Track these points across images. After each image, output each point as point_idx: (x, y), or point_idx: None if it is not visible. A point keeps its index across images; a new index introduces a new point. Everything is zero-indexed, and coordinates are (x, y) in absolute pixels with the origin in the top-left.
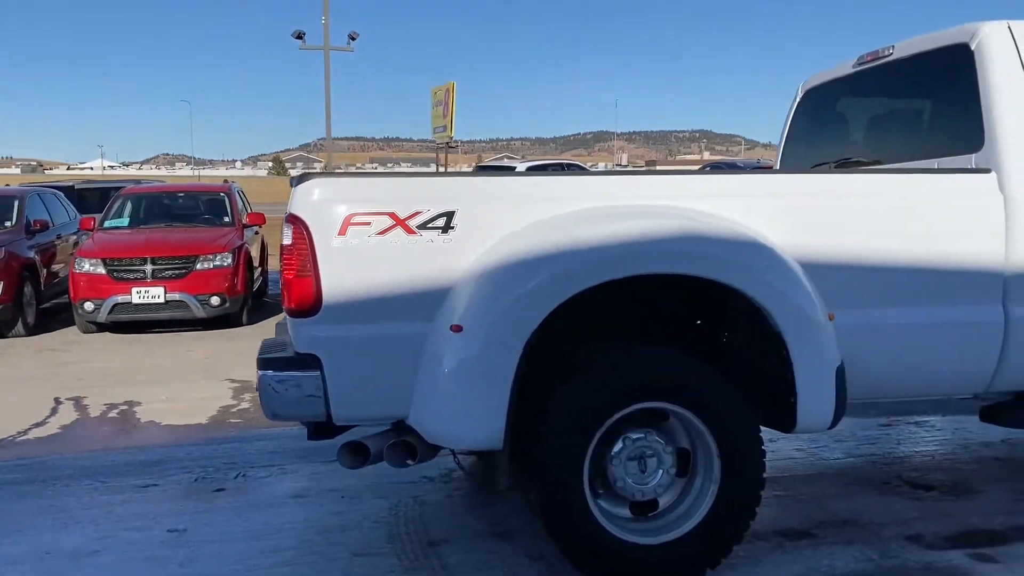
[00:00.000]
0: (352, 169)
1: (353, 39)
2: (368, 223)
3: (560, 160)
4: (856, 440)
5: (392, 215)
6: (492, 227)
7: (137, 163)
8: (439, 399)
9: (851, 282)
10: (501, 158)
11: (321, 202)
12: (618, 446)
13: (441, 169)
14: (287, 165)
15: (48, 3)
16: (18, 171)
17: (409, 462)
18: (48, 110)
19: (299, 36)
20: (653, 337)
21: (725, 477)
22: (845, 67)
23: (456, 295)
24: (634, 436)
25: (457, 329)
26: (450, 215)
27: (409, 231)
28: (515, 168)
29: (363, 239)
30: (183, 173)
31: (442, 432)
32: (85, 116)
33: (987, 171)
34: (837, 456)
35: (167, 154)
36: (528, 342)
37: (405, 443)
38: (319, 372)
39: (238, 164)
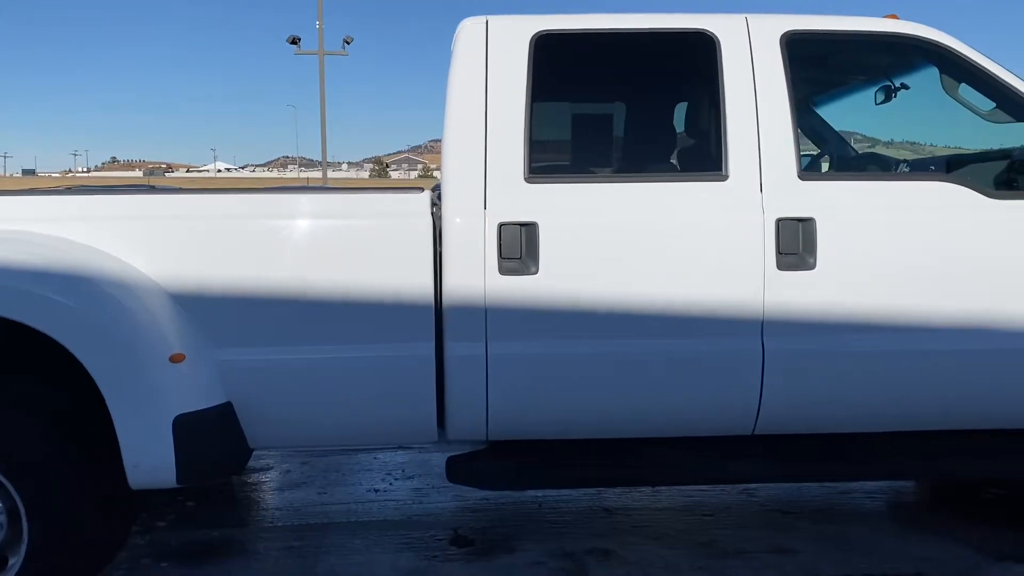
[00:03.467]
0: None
1: (348, 43)
2: None
3: None
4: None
5: None
6: None
7: (252, 166)
8: None
9: (245, 318)
10: None
11: None
12: None
13: None
14: (392, 167)
15: (174, 16)
16: (139, 173)
17: None
18: (179, 115)
19: (293, 41)
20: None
21: (32, 533)
22: None
23: None
24: None
25: None
26: None
27: None
28: None
29: None
30: (290, 175)
31: None
32: (211, 120)
33: (419, 191)
34: (444, 503)
35: (286, 156)
36: None
37: None
38: None
39: (344, 166)
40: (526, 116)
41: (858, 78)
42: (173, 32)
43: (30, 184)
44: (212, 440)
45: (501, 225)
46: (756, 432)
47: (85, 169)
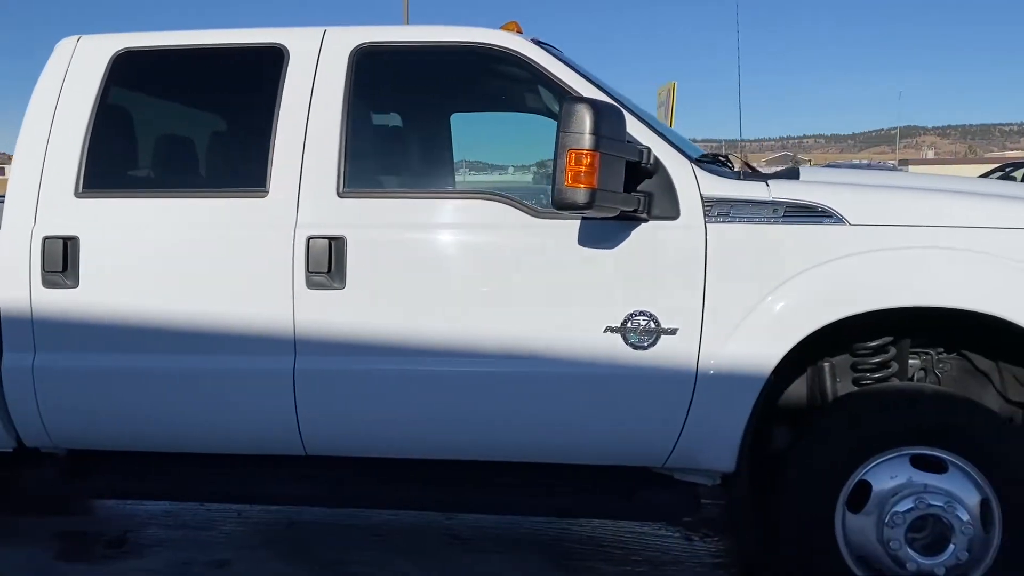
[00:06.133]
0: None
1: None
2: None
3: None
4: None
5: None
6: None
7: None
8: None
9: None
10: (782, 157)
11: None
12: None
13: None
14: None
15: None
16: None
17: None
18: None
19: None
20: None
21: None
22: None
23: None
24: None
25: None
26: None
27: None
28: None
29: None
30: None
31: None
32: None
33: None
34: (156, 506)
35: None
36: None
37: None
38: None
39: None
40: (87, 131)
41: (457, 90)
42: None
43: None
44: None
45: (45, 239)
46: (309, 453)
47: None
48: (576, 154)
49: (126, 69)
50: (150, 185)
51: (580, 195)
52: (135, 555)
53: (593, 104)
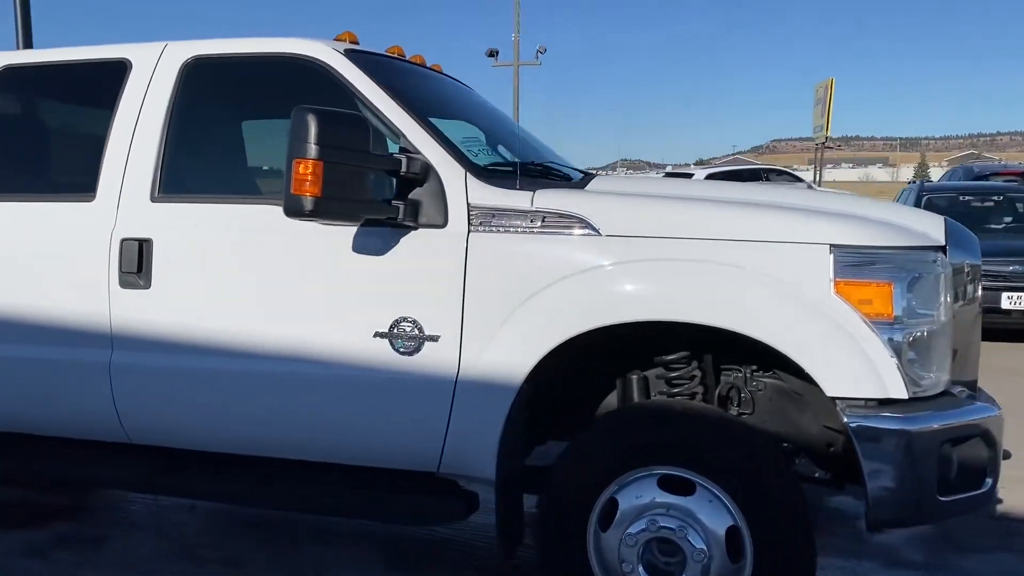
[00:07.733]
0: None
1: (541, 53)
2: None
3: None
4: None
5: None
6: None
7: None
8: None
9: None
10: (968, 156)
11: None
12: None
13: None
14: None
15: None
16: None
17: None
18: None
19: (491, 54)
20: None
21: None
22: None
23: None
24: None
25: None
26: None
27: None
28: (692, 176)
29: None
30: None
31: None
32: None
33: None
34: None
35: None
36: None
37: None
38: None
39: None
40: None
41: (274, 98)
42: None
43: None
44: None
45: None
46: (133, 441)
47: None
48: (300, 163)
49: (6, 83)
50: (4, 189)
51: (305, 203)
52: (26, 527)
53: (320, 113)
